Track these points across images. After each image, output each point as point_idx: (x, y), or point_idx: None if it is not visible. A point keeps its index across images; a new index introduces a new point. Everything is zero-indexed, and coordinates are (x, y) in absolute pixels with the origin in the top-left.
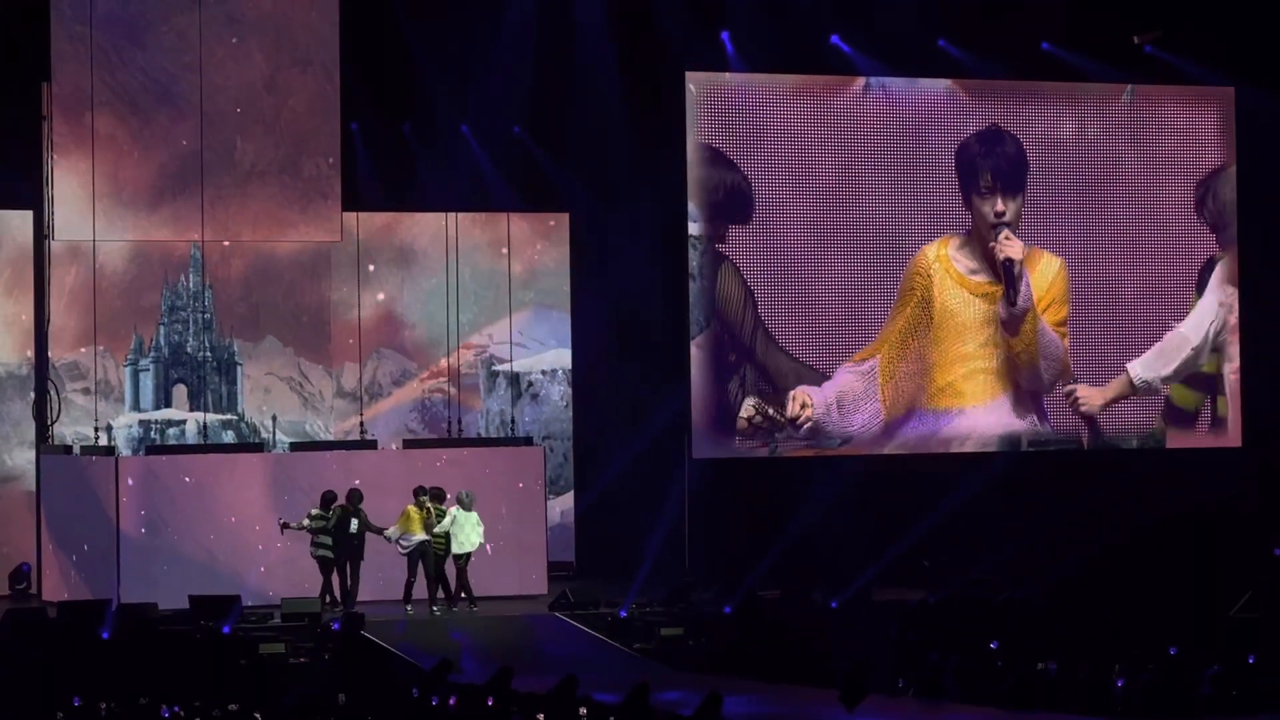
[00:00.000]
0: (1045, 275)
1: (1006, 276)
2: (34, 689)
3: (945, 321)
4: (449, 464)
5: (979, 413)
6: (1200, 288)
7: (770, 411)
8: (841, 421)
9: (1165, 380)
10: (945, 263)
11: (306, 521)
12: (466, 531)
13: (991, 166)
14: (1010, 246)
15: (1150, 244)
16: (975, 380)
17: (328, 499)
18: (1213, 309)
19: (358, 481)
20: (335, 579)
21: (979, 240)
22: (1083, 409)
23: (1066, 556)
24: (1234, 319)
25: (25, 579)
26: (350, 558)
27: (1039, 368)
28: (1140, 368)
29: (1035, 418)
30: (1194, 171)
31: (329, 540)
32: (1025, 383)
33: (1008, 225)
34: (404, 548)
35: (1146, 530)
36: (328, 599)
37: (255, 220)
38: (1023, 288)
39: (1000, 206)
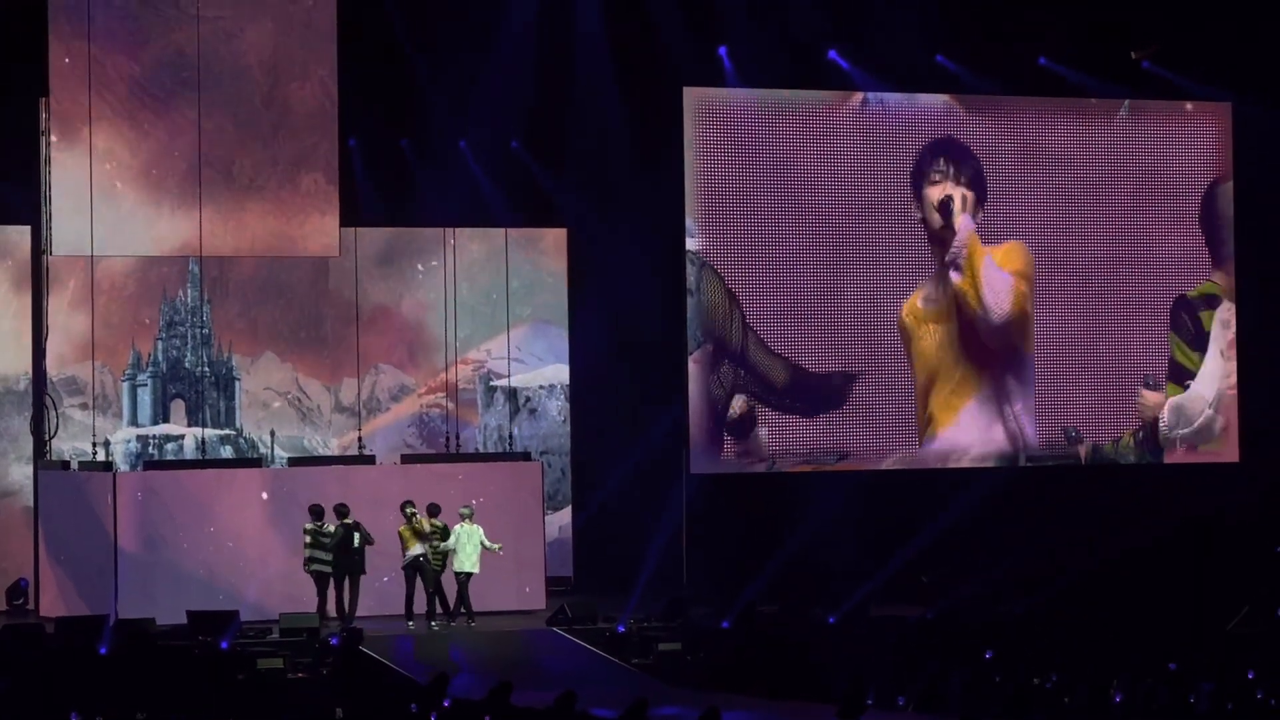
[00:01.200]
0: (1009, 256)
1: (943, 213)
2: (32, 704)
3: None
4: (445, 479)
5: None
6: (1199, 343)
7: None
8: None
9: (1185, 439)
10: (917, 315)
11: (306, 538)
12: (468, 550)
13: (943, 155)
14: (952, 190)
15: (1147, 258)
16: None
17: (318, 512)
18: (1220, 365)
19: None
20: (332, 593)
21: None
22: (1144, 414)
23: (1065, 571)
24: (1231, 334)
25: (23, 594)
26: (351, 573)
27: (987, 303)
28: (1165, 425)
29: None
30: (1192, 186)
31: (327, 555)
32: (981, 331)
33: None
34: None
35: (1144, 544)
36: (325, 614)
37: (253, 235)
38: (962, 221)
39: (951, 190)
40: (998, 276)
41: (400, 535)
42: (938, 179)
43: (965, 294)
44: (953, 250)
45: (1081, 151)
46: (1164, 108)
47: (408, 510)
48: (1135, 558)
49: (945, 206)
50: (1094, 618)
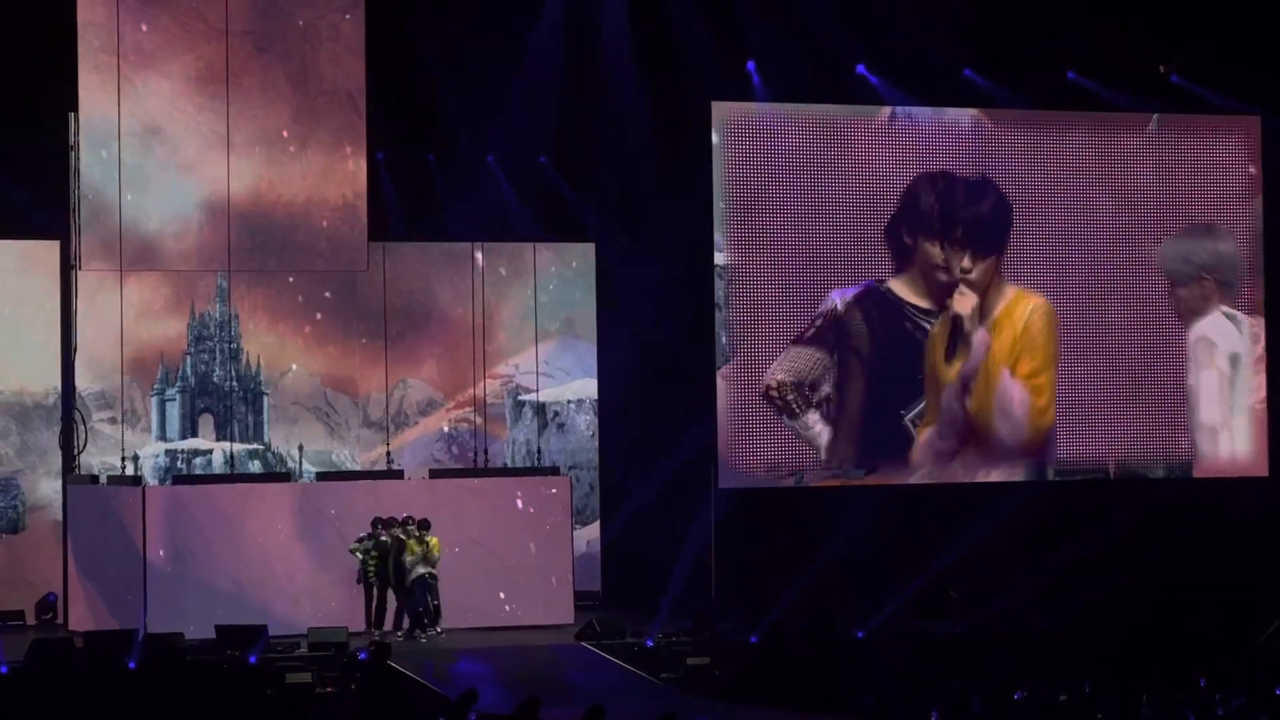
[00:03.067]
0: (1017, 320)
1: (954, 332)
2: (61, 719)
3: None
4: (473, 494)
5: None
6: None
7: (790, 398)
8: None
9: None
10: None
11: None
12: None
13: (968, 219)
14: (964, 301)
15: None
16: None
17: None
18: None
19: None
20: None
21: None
22: None
23: (1093, 586)
24: (1261, 348)
25: (52, 609)
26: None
27: (996, 428)
28: None
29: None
30: (1222, 199)
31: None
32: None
33: (969, 280)
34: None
35: (1173, 558)
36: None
37: (281, 250)
38: (975, 343)
39: (968, 264)
40: (1015, 392)
41: (413, 551)
42: (954, 245)
43: (975, 414)
44: (967, 369)
45: (1109, 166)
46: (1193, 122)
47: (408, 528)
48: (1164, 572)
49: (957, 326)
50: (1123, 632)
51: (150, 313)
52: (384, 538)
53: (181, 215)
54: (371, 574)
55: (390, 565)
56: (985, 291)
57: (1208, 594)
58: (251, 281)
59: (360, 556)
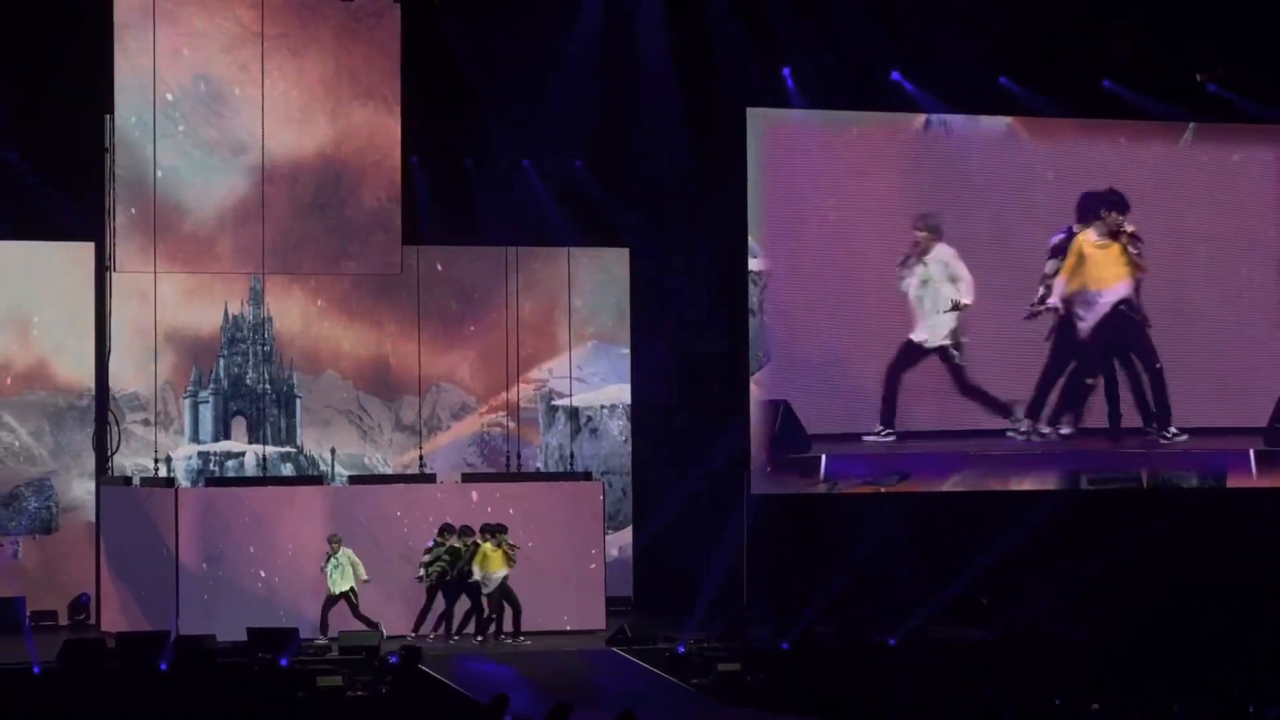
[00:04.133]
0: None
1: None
2: None
3: None
4: (506, 498)
5: None
6: None
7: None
8: None
9: None
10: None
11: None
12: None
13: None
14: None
15: (1220, 283)
16: None
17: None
18: None
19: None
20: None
21: None
22: None
23: (1126, 595)
24: None
25: (84, 609)
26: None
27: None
28: None
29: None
30: (1260, 209)
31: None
32: None
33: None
34: (487, 589)
35: (1206, 567)
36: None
37: (315, 253)
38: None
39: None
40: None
41: (485, 555)
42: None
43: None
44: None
45: (1146, 174)
46: (1229, 131)
47: (500, 536)
48: (1197, 580)
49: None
50: (1155, 641)
51: (184, 315)
52: (456, 544)
53: (216, 218)
54: (434, 578)
55: (459, 571)
56: None
57: (1242, 603)
58: (286, 284)
59: (437, 567)
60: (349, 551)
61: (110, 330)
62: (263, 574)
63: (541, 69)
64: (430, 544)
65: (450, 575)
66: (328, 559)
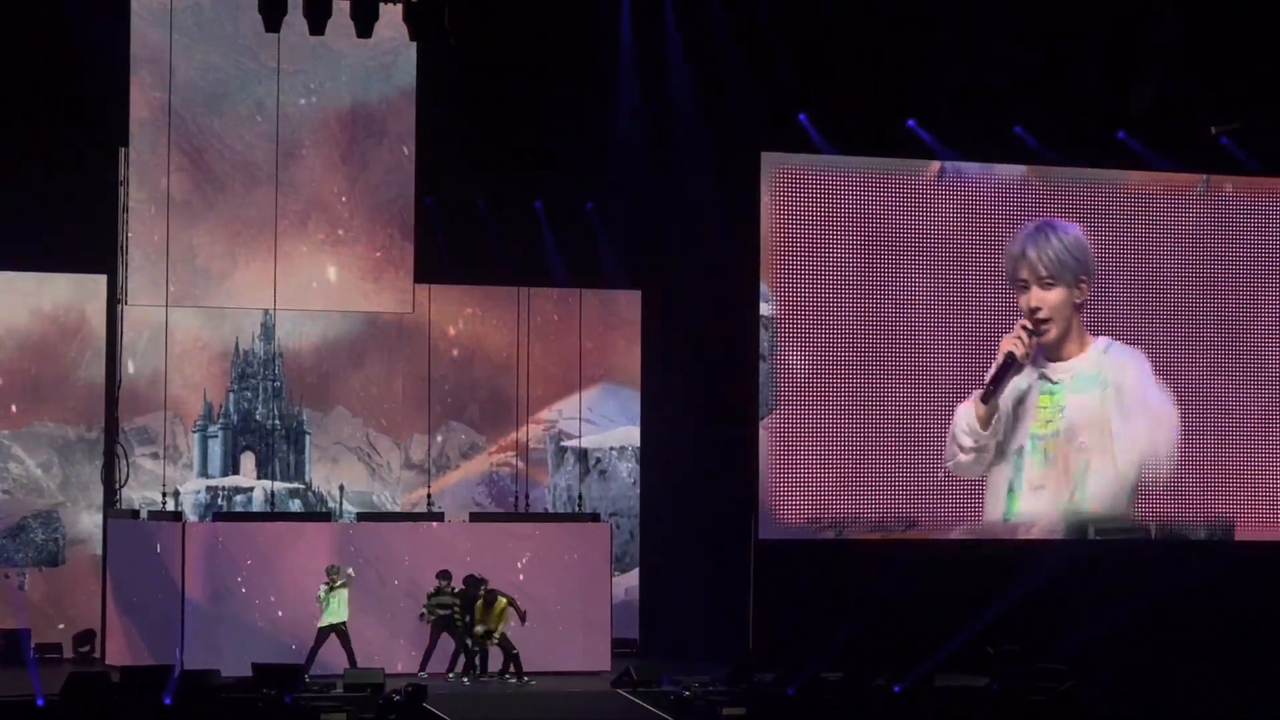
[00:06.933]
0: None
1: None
2: None
3: None
4: (513, 538)
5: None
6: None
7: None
8: None
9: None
10: None
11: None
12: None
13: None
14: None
15: (1231, 342)
16: None
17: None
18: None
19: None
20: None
21: None
22: None
23: (1135, 646)
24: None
25: (89, 642)
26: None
27: None
28: None
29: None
30: (1272, 263)
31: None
32: None
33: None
34: (493, 640)
35: (1214, 621)
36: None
37: (327, 290)
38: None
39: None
40: None
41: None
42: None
43: None
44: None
45: (1161, 227)
46: (1242, 183)
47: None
48: (1205, 634)
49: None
50: (1162, 694)
51: (195, 349)
52: (464, 590)
53: (228, 252)
54: (439, 621)
55: (465, 618)
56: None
57: (1250, 658)
58: (296, 320)
59: (441, 612)
60: (342, 593)
61: (121, 362)
62: (268, 609)
63: (554, 111)
64: (432, 589)
65: (459, 620)
66: (327, 589)
